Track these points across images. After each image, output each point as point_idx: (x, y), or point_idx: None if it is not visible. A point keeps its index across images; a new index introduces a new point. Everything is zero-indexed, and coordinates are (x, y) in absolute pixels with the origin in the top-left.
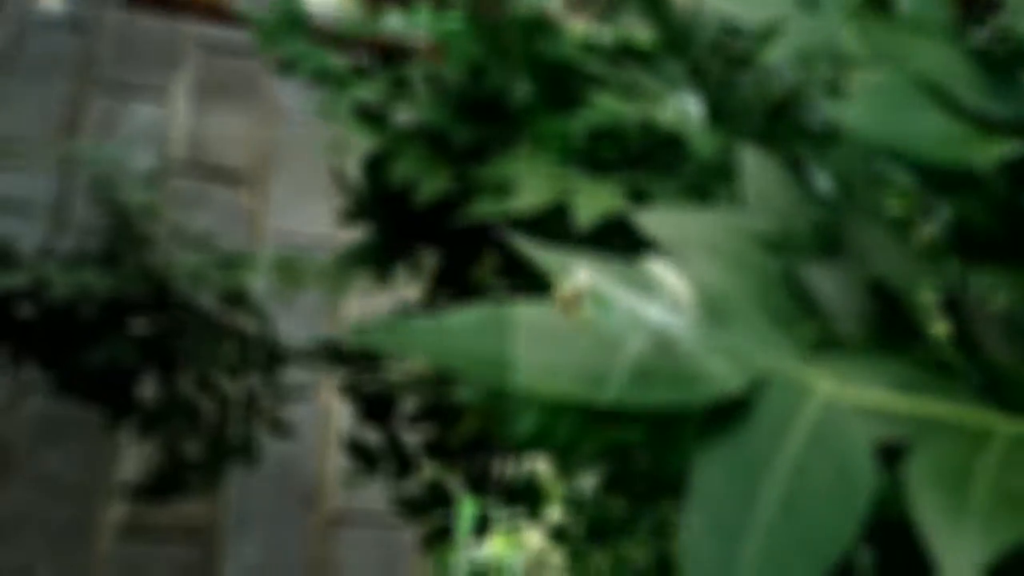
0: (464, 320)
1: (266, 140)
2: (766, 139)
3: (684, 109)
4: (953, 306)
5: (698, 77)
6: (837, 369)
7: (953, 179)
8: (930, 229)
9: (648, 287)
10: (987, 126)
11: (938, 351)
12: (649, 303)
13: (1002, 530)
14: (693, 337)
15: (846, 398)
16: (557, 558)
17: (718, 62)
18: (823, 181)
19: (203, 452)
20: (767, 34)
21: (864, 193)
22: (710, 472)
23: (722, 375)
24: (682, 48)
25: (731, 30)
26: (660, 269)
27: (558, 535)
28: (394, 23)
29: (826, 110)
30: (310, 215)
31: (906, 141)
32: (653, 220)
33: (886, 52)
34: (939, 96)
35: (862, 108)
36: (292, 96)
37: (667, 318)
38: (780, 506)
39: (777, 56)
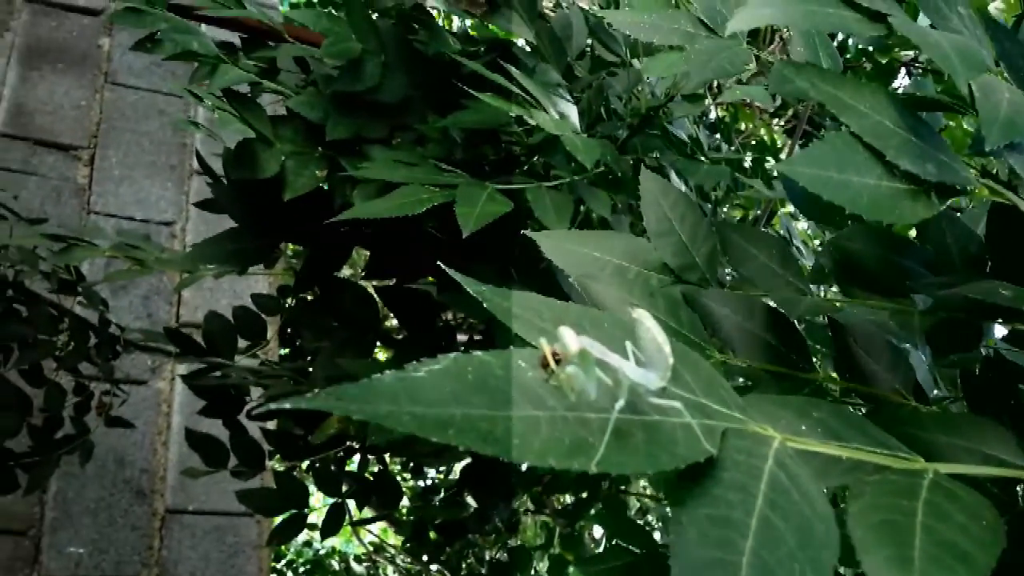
0: (439, 378)
1: (99, 108)
2: (633, 148)
3: (564, 114)
4: (837, 329)
5: (570, 81)
6: (767, 413)
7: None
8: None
9: (625, 338)
10: (916, 185)
11: (826, 379)
12: (627, 357)
13: None
14: (663, 394)
15: (794, 446)
16: (394, 545)
17: (586, 66)
18: (685, 191)
19: (32, 447)
20: (639, 44)
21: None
22: (688, 534)
23: (694, 437)
24: (557, 52)
25: (601, 36)
26: (644, 319)
27: (410, 531)
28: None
29: (774, 166)
30: (145, 191)
31: (843, 198)
32: (553, 243)
33: (834, 104)
34: (875, 157)
35: (807, 165)
36: (127, 61)
37: (641, 374)
38: (755, 570)
39: (661, 72)
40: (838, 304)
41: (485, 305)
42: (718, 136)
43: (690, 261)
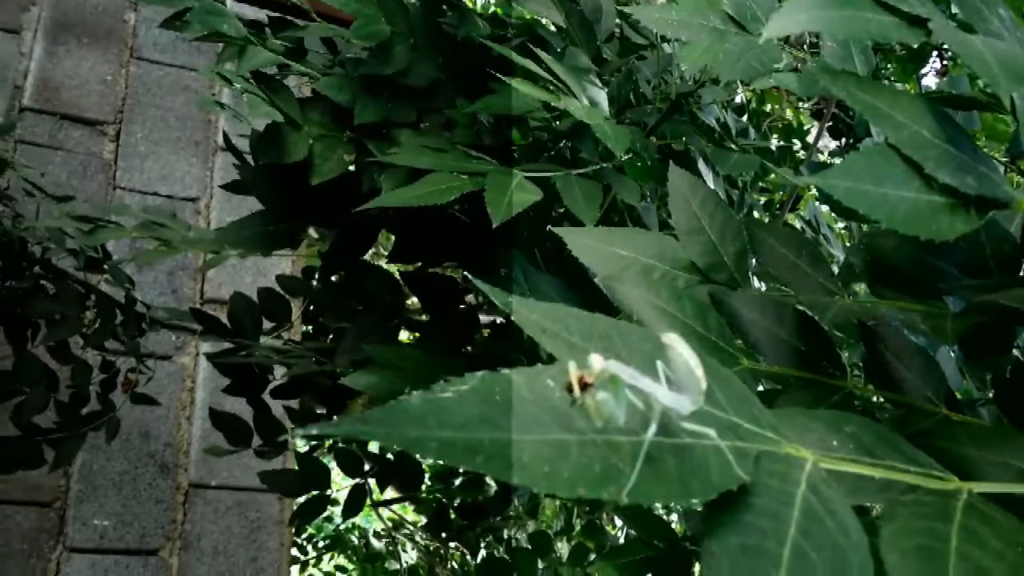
0: (466, 399)
1: (124, 84)
2: (662, 134)
3: (594, 100)
4: (867, 334)
5: (599, 65)
6: (798, 427)
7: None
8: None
9: (656, 353)
10: (955, 199)
11: (856, 385)
12: (657, 376)
13: None
14: (694, 418)
15: (825, 467)
16: (413, 522)
17: (615, 49)
18: (713, 180)
19: (59, 423)
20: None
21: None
22: (720, 565)
23: (726, 462)
24: (587, 35)
25: (630, 19)
26: (675, 343)
27: (431, 512)
28: None
29: (805, 175)
30: (170, 167)
31: (880, 213)
32: (580, 241)
33: (871, 114)
34: (914, 169)
35: (843, 178)
36: (152, 36)
37: (673, 398)
38: None
39: (695, 60)
40: (869, 307)
41: (513, 318)
42: (744, 118)
43: (719, 261)
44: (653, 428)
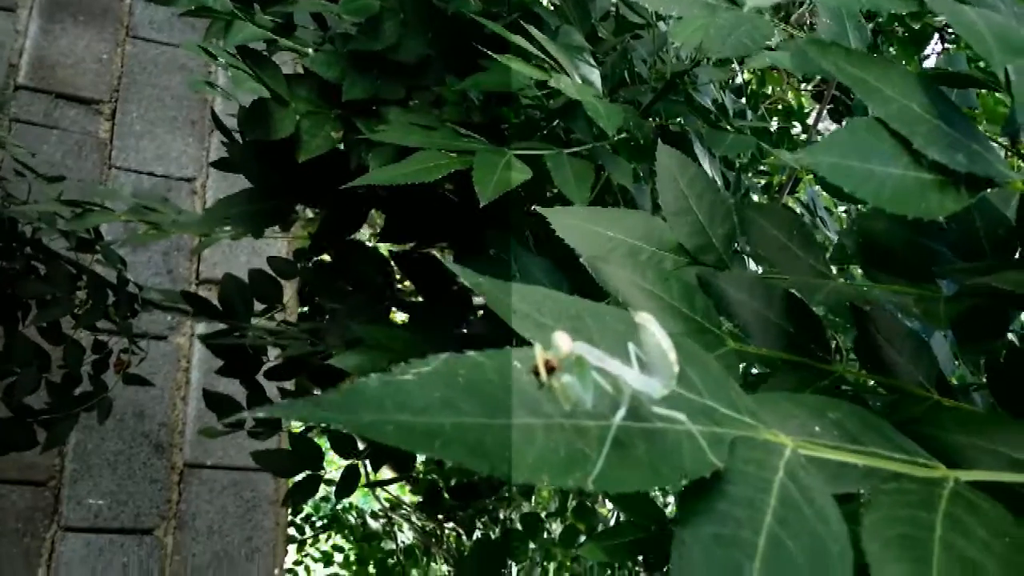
0: (428, 382)
1: (120, 62)
2: (657, 114)
3: (587, 78)
4: (860, 317)
5: (594, 44)
6: (780, 412)
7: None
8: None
9: (631, 335)
10: (944, 176)
11: (846, 369)
12: (628, 364)
13: None
14: (667, 402)
15: (805, 454)
16: (410, 504)
17: (611, 28)
18: (708, 161)
19: (51, 403)
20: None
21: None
22: (692, 555)
23: (699, 448)
24: (581, 14)
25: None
26: (648, 323)
27: (424, 493)
28: None
29: (794, 152)
30: (166, 147)
31: (866, 190)
32: (565, 221)
33: (859, 88)
34: (902, 145)
35: (828, 153)
36: (148, 15)
37: (644, 382)
38: None
39: (687, 37)
40: (862, 290)
41: (485, 300)
42: (743, 100)
43: (707, 242)
44: (622, 412)
